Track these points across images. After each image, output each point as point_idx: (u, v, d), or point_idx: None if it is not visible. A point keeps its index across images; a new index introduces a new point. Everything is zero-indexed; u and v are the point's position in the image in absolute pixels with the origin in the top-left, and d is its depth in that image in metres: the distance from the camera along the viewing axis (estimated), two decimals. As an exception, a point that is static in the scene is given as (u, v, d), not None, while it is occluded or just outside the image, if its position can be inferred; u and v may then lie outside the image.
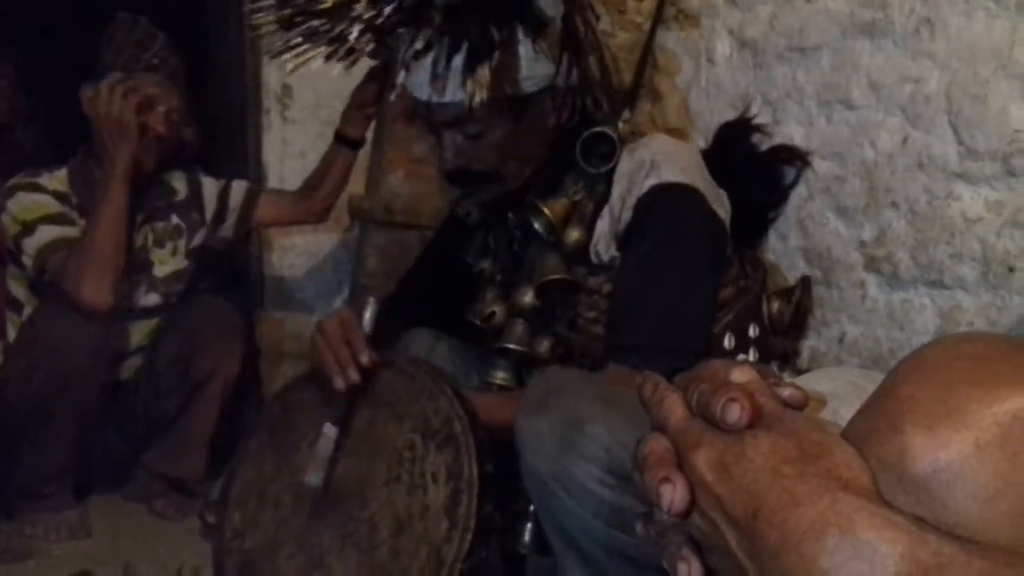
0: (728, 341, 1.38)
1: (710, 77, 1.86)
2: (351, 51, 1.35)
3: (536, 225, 1.39)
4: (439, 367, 1.38)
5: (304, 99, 2.58)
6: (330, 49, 1.35)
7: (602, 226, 1.38)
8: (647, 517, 0.55)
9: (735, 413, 0.48)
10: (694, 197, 1.32)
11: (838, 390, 0.59)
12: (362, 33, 1.32)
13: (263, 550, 1.35)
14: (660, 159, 1.33)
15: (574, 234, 1.38)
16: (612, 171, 1.37)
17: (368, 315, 1.33)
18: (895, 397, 0.46)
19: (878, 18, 1.45)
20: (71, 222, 1.98)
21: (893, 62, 1.43)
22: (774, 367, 1.44)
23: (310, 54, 1.35)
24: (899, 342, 1.41)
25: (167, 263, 2.15)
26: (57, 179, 2.04)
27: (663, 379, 0.57)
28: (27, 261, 1.94)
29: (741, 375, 0.53)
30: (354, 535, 1.27)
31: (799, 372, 1.49)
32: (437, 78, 1.26)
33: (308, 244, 2.64)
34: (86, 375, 1.88)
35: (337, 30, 1.32)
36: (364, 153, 2.38)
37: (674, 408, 0.53)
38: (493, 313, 1.48)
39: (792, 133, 1.63)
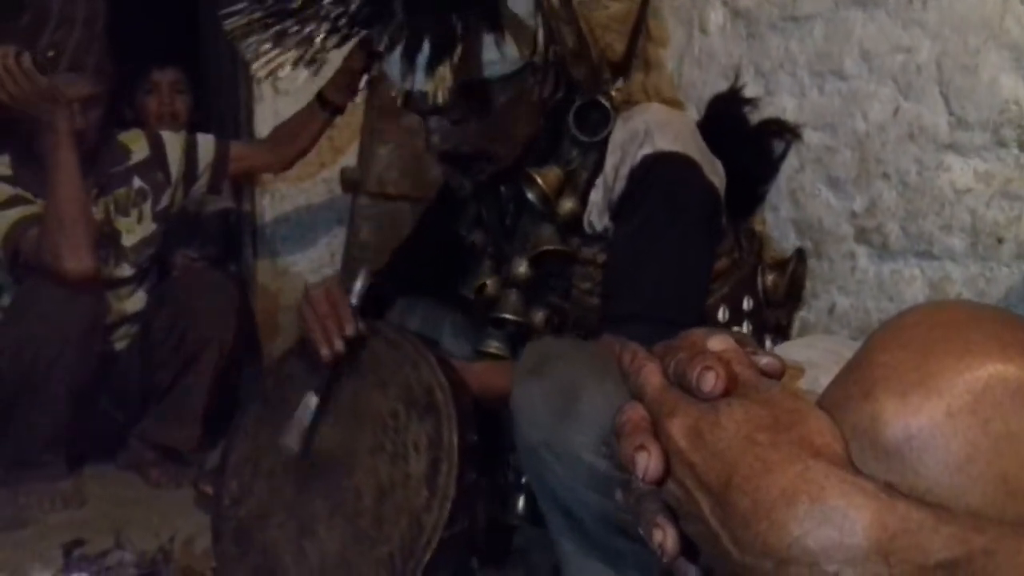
0: (722, 314, 1.38)
1: (703, 47, 1.85)
2: (316, 54, 1.34)
3: (530, 195, 1.39)
4: (426, 336, 1.38)
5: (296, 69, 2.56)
6: (297, 54, 1.33)
7: (596, 196, 1.37)
8: (625, 485, 0.55)
9: (710, 381, 0.48)
10: (688, 166, 1.31)
11: (817, 358, 0.59)
12: (328, 34, 1.31)
13: (257, 518, 1.37)
14: (653, 128, 1.32)
15: (568, 204, 1.37)
16: (606, 140, 1.36)
17: (358, 286, 1.34)
18: (869, 364, 0.46)
19: (871, -13, 1.44)
20: (28, 200, 1.95)
21: (885, 32, 1.42)
22: (768, 340, 1.44)
23: (279, 59, 1.34)
24: (888, 313, 1.42)
25: (134, 231, 2.12)
26: (1, 164, 2.00)
27: (642, 348, 0.57)
28: None
29: (718, 344, 0.54)
30: (341, 504, 1.28)
31: None
32: (409, 70, 1.26)
33: (301, 215, 2.64)
34: (77, 346, 1.88)
35: (306, 31, 1.31)
36: (356, 124, 2.38)
37: (651, 377, 0.53)
38: (485, 285, 1.48)
39: (785, 104, 1.62)
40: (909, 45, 1.37)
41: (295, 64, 1.35)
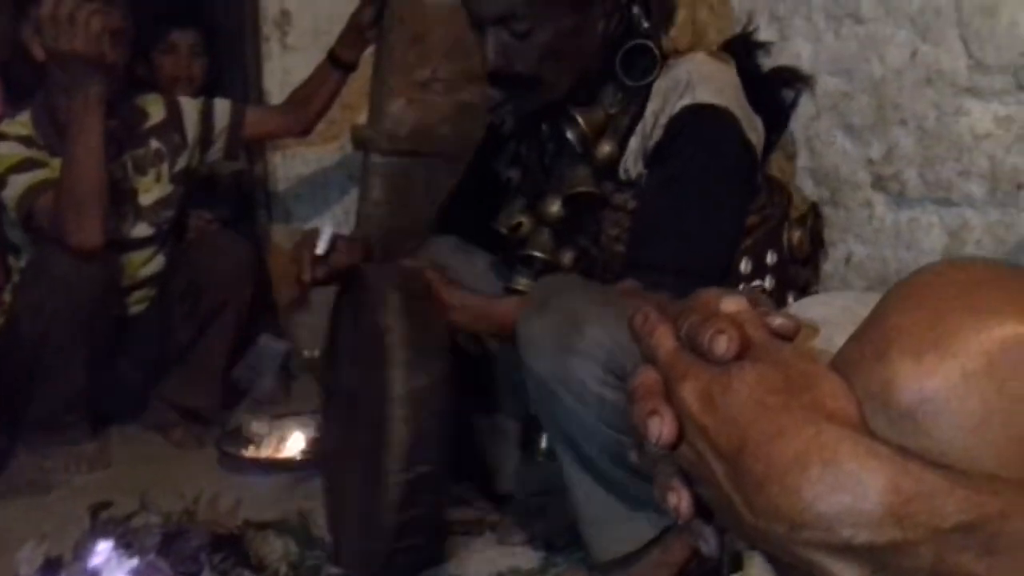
0: (745, 265, 1.37)
1: (715, -7, 1.81)
2: None
3: (569, 135, 1.39)
4: (414, 269, 1.45)
5: (303, 25, 2.54)
6: None
7: (634, 142, 1.37)
8: (639, 446, 0.55)
9: (722, 344, 0.48)
10: (727, 120, 1.30)
11: (832, 316, 0.58)
12: None
13: (331, 453, 1.58)
14: (696, 79, 1.31)
15: (606, 148, 1.37)
16: (650, 86, 1.35)
17: (322, 240, 1.49)
18: (883, 325, 0.45)
19: (888, -72, 1.41)
20: (42, 163, 1.93)
21: (903, -27, 1.39)
22: (790, 296, 1.43)
23: None
24: (906, 262, 1.41)
25: (151, 190, 2.12)
26: (19, 123, 1.98)
27: (654, 310, 0.57)
28: (11, 213, 1.92)
29: (731, 305, 0.53)
30: (358, 440, 1.40)
31: None
32: None
33: (314, 175, 2.63)
34: (94, 308, 1.89)
35: None
36: (366, 81, 2.35)
37: (663, 340, 0.53)
38: (520, 223, 1.48)
39: (799, 49, 1.59)
40: (927, -14, 1.34)
41: None
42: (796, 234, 1.41)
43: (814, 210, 1.48)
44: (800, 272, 1.44)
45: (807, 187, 1.59)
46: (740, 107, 1.33)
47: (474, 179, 1.63)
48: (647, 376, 0.53)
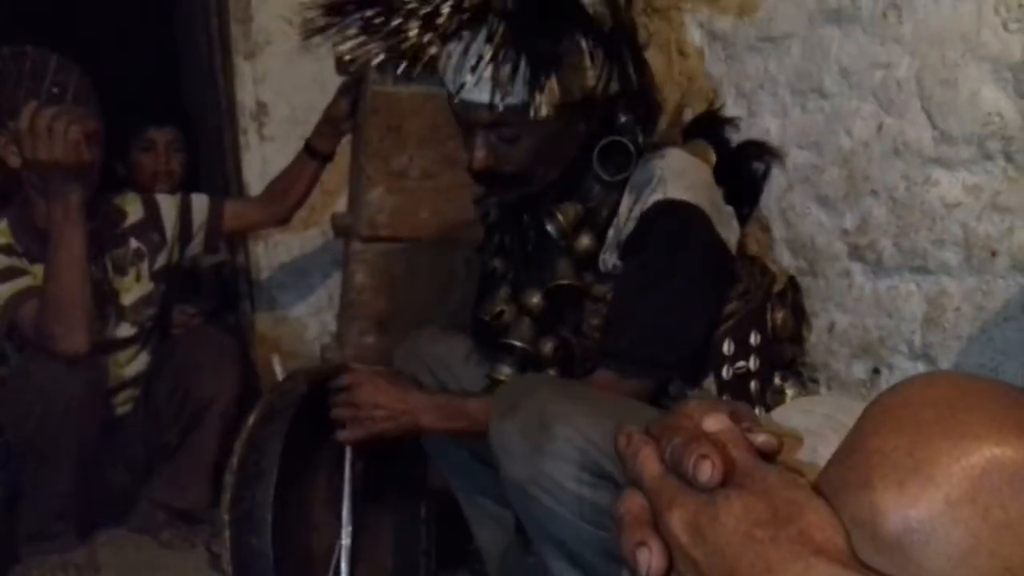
0: (728, 347, 1.38)
1: (682, 70, 1.85)
2: (412, 50, 1.30)
3: (549, 228, 1.41)
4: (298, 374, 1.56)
5: (280, 115, 2.57)
6: (386, 45, 1.30)
7: (612, 234, 1.39)
8: (633, 571, 0.55)
9: (706, 472, 0.48)
10: (696, 217, 1.33)
11: (814, 426, 0.58)
12: (422, 31, 1.28)
13: None
14: (668, 175, 1.35)
15: (585, 240, 1.40)
16: (627, 181, 1.38)
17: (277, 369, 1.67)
18: (864, 448, 0.45)
19: (844, 4, 1.44)
20: (23, 272, 1.93)
21: (863, 48, 1.42)
22: (776, 377, 1.44)
23: (366, 48, 1.31)
24: (888, 329, 1.41)
25: (132, 290, 2.12)
26: None
27: (638, 430, 0.57)
28: None
29: (713, 424, 0.53)
30: None
31: (802, 383, 1.48)
32: (481, 78, 1.27)
33: (296, 261, 2.64)
34: (80, 415, 1.87)
35: (393, 24, 1.29)
36: (346, 166, 2.38)
37: (647, 463, 0.53)
38: (502, 311, 1.50)
39: (768, 124, 1.62)
40: (887, 61, 1.37)
41: (388, 57, 1.31)
42: (780, 314, 1.43)
43: (792, 283, 1.50)
44: (785, 349, 1.45)
45: (784, 258, 1.61)
46: (711, 204, 1.36)
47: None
48: (633, 503, 0.52)
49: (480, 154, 1.34)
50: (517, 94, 1.26)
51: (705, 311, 1.36)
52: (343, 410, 1.48)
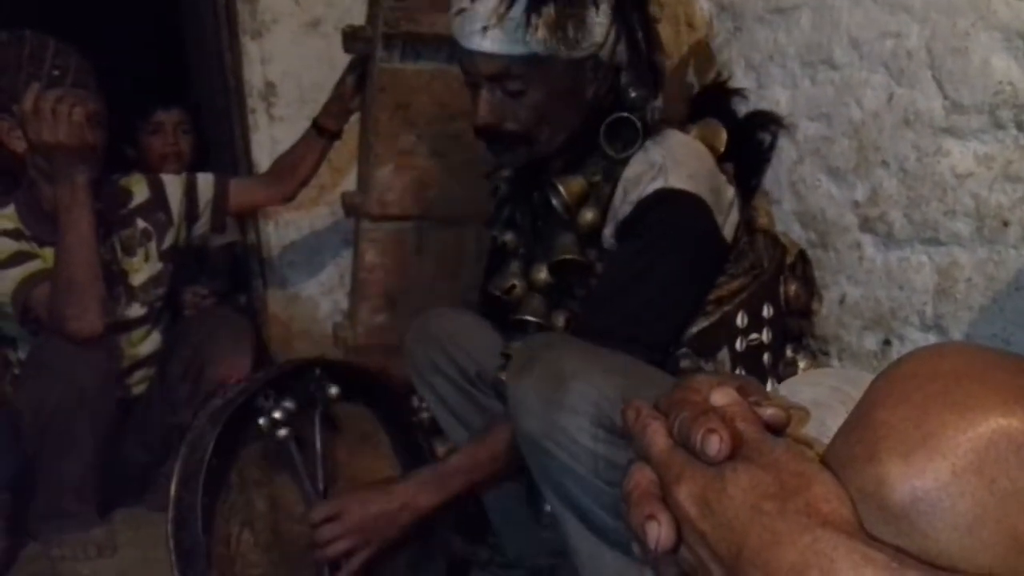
0: (741, 319, 1.38)
1: (690, 43, 1.84)
2: None
3: (554, 202, 1.41)
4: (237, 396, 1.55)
5: (288, 95, 2.56)
6: None
7: (609, 213, 1.39)
8: (643, 544, 0.55)
9: (714, 446, 0.48)
10: (694, 207, 1.33)
11: (822, 397, 0.58)
12: None
13: None
14: (669, 163, 1.34)
15: (588, 215, 1.40)
16: (632, 157, 1.37)
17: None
18: (870, 422, 0.45)
19: (854, -26, 1.43)
20: (33, 255, 1.93)
21: (872, 18, 1.41)
22: (789, 349, 1.44)
23: None
24: (899, 301, 1.41)
25: (141, 270, 2.12)
26: (5, 217, 1.98)
27: (646, 405, 0.57)
28: (7, 307, 1.93)
29: (721, 398, 0.53)
30: None
31: (813, 354, 1.48)
32: (488, 28, 1.28)
33: (307, 241, 2.64)
34: (96, 395, 1.89)
35: None
36: (355, 145, 2.38)
37: (656, 437, 0.53)
38: (514, 286, 1.50)
39: (777, 96, 1.61)
40: (897, 30, 1.36)
41: None
42: (792, 287, 1.42)
43: (802, 256, 1.50)
44: (797, 322, 1.44)
45: (795, 231, 1.60)
46: (711, 192, 1.35)
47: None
48: (642, 476, 0.53)
49: (484, 109, 1.35)
50: (523, 43, 1.27)
51: (688, 300, 1.35)
52: (341, 544, 1.36)
